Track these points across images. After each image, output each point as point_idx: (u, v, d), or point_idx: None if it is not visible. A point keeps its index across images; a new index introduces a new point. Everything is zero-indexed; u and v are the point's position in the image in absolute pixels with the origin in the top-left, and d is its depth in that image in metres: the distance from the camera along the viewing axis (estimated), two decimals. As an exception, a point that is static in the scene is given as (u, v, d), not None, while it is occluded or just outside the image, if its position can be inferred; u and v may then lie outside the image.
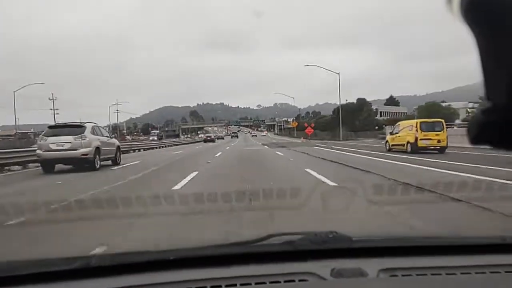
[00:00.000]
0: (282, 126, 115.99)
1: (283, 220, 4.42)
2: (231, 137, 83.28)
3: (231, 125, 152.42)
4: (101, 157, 13.01)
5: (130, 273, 1.29)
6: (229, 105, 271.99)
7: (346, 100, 69.43)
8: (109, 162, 14.00)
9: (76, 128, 12.85)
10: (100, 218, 4.83)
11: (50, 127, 13.76)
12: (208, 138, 59.15)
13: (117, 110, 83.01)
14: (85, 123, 13.46)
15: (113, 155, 14.27)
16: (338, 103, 67.26)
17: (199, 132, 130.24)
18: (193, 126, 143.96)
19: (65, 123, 14.00)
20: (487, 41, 0.54)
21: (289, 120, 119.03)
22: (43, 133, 13.44)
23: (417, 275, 1.23)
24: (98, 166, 12.56)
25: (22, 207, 5.47)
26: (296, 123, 68.72)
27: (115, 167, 13.25)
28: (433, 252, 1.38)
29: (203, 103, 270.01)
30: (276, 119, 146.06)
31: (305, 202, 5.12)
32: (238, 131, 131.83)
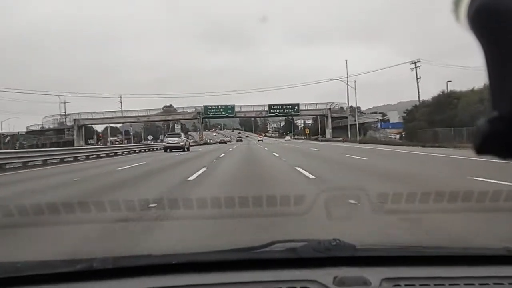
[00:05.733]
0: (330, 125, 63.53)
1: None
2: (236, 141, 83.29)
3: (207, 117, 71.45)
4: (186, 146, 30.28)
5: (132, 277, 1.30)
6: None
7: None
8: (186, 149, 29.61)
9: (178, 134, 33.95)
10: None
11: (168, 134, 34.33)
12: (222, 140, 78.62)
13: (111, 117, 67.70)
14: (180, 132, 40.59)
15: (188, 146, 31.32)
16: (352, 106, 54.83)
17: (148, 137, 74.74)
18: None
19: (172, 133, 38.64)
20: (492, 51, 0.54)
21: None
22: (166, 136, 33.47)
23: (420, 285, 1.23)
24: (186, 150, 28.74)
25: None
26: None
27: (188, 152, 28.05)
28: (437, 262, 1.37)
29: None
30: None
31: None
32: (220, 141, 75.00)
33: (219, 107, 65.87)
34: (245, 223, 4.72)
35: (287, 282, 1.25)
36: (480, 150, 0.58)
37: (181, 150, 28.17)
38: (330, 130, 65.01)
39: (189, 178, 9.41)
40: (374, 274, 1.25)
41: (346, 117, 60.20)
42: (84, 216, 4.89)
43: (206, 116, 67.74)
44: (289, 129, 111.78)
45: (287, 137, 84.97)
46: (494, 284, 1.24)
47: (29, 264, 1.47)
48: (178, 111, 68.22)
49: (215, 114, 68.12)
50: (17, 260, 1.48)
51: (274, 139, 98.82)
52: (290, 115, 76.37)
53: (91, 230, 4.38)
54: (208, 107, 65.51)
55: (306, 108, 66.32)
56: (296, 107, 65.74)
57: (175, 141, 29.30)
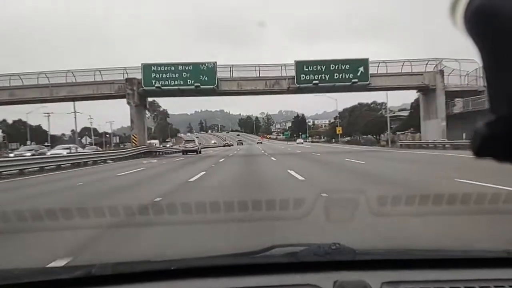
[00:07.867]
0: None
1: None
2: (237, 144, 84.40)
3: (151, 91, 30.41)
4: (198, 150, 37.09)
5: (131, 283, 1.29)
6: (230, 112, 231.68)
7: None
8: (198, 152, 36.35)
9: (192, 141, 40.52)
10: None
11: (185, 141, 41.04)
12: (226, 144, 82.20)
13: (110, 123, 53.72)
14: (194, 137, 57.28)
15: (200, 149, 38.56)
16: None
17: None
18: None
19: (188, 139, 43.47)
20: (490, 54, 0.54)
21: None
22: (184, 142, 40.44)
23: None
24: (199, 153, 35.78)
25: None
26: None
27: (200, 154, 35.33)
28: (437, 265, 1.37)
29: (201, 110, 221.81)
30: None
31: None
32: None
33: (178, 67, 30.00)
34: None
35: (287, 287, 1.25)
36: (479, 153, 0.58)
37: (195, 152, 35.72)
38: (444, 122, 30.14)
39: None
40: (374, 278, 1.25)
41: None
42: None
43: (148, 88, 30.26)
44: (299, 130, 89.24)
45: (299, 140, 73.61)
46: (495, 286, 1.23)
47: (28, 271, 1.46)
48: (86, 80, 31.55)
49: (168, 86, 30.16)
50: (16, 268, 1.47)
51: (286, 142, 77.54)
52: (349, 85, 30.10)
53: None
54: (153, 69, 29.90)
55: (383, 71, 30.18)
56: (362, 68, 28.81)
57: (191, 146, 37.32)
